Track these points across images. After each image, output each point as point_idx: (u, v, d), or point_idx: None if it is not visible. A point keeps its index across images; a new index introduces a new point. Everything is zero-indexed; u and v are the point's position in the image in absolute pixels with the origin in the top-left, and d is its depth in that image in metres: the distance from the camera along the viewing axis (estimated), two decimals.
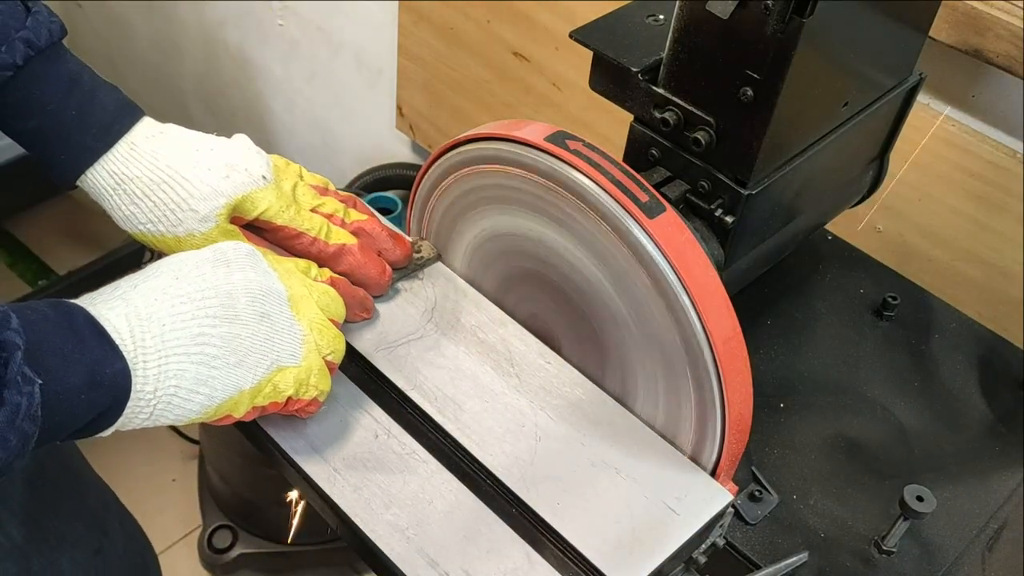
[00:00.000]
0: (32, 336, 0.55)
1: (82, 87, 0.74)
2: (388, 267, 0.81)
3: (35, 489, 0.90)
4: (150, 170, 0.74)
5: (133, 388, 0.60)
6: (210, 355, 0.64)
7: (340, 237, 0.78)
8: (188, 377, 0.63)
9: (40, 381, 0.54)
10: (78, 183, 0.76)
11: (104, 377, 0.59)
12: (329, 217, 0.79)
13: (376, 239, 0.81)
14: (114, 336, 0.60)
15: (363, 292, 0.79)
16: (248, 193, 0.75)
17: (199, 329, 0.64)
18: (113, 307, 0.62)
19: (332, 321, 0.73)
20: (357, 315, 0.79)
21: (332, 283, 0.76)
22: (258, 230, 0.78)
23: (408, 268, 0.84)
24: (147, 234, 0.76)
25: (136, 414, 0.62)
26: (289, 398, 0.69)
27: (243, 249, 0.69)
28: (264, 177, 0.76)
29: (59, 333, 0.58)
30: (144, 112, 0.77)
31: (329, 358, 0.72)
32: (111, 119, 0.75)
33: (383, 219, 0.84)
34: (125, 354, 0.60)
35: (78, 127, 0.74)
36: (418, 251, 0.85)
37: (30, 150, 0.76)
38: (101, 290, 0.64)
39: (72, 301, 0.62)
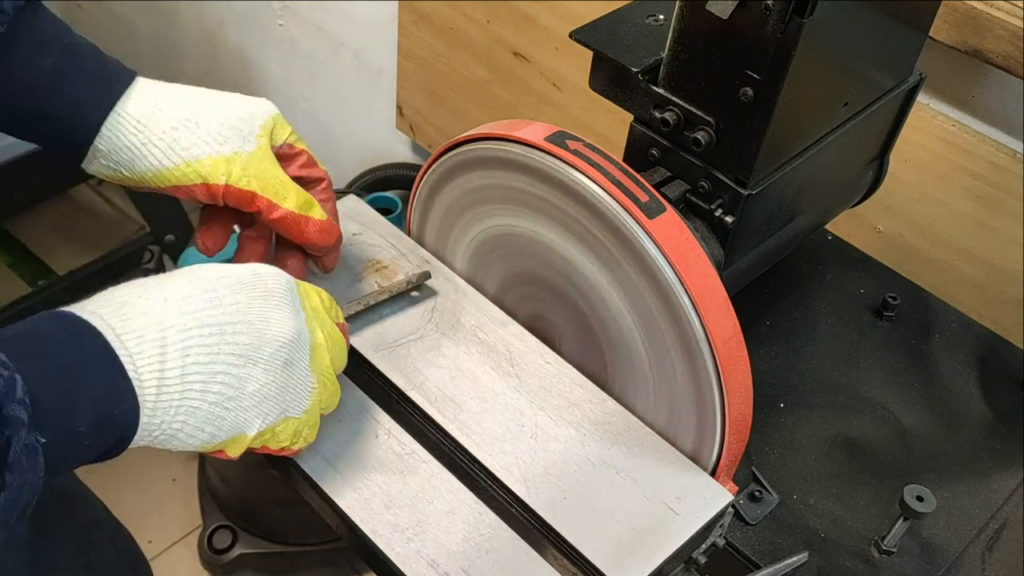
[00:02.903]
0: (38, 376, 0.51)
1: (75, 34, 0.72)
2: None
3: (31, 515, 0.90)
4: (183, 98, 0.72)
5: (140, 423, 0.57)
6: (225, 396, 0.60)
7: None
8: (199, 416, 0.60)
9: (44, 440, 0.51)
10: (105, 126, 0.70)
11: (112, 418, 0.55)
12: None
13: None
14: (128, 366, 0.56)
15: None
16: (275, 115, 0.75)
17: (223, 367, 0.60)
18: (136, 327, 0.57)
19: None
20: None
21: (340, 328, 0.72)
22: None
23: (398, 288, 0.82)
24: (192, 161, 0.70)
25: (136, 443, 0.59)
26: (283, 448, 0.67)
27: (283, 282, 0.65)
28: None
29: (68, 369, 0.54)
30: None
31: (324, 410, 0.69)
32: (122, 65, 0.72)
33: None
34: (137, 387, 0.56)
35: (100, 62, 0.70)
36: (410, 281, 0.83)
37: (47, 99, 0.69)
38: (124, 299, 0.59)
39: (89, 321, 0.56)
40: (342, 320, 0.73)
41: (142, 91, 0.72)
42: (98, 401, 0.54)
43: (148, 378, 0.57)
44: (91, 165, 0.73)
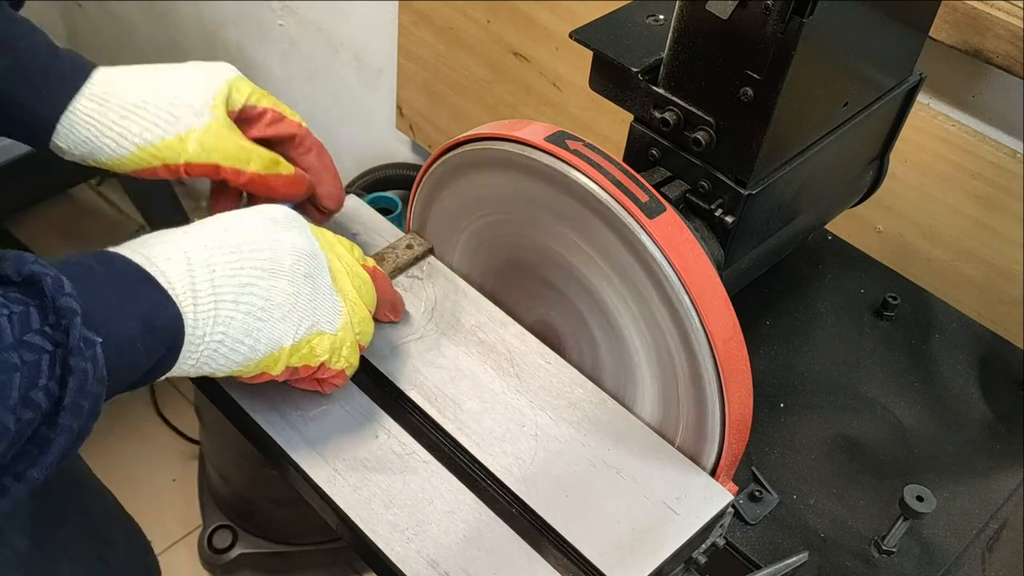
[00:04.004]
0: (83, 294, 0.54)
1: (43, 31, 0.74)
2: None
3: (38, 500, 0.90)
4: (133, 83, 0.73)
5: (184, 333, 0.60)
6: (257, 306, 0.64)
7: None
8: (235, 326, 0.63)
9: (99, 339, 0.54)
10: (60, 124, 0.73)
11: (157, 323, 0.59)
12: None
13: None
14: (162, 281, 0.60)
15: (399, 295, 0.80)
16: (231, 80, 0.76)
17: (248, 279, 0.64)
18: (161, 252, 0.61)
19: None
20: (386, 315, 0.79)
21: (371, 273, 0.76)
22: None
23: (402, 262, 0.84)
24: (146, 147, 0.73)
25: (185, 359, 0.62)
26: (322, 364, 0.69)
27: (289, 213, 0.70)
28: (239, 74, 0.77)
29: (107, 285, 0.57)
30: None
31: (359, 339, 0.72)
32: (77, 59, 0.74)
33: None
34: (175, 298, 0.60)
35: (53, 61, 0.72)
36: (410, 247, 0.85)
37: (2, 101, 0.72)
38: (146, 238, 0.63)
39: (115, 250, 0.61)
40: (369, 263, 0.76)
41: (93, 85, 0.73)
42: (142, 311, 0.58)
43: (182, 291, 0.60)
44: (60, 154, 0.76)
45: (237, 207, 0.80)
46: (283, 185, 0.77)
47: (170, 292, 0.60)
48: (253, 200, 0.80)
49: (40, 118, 0.73)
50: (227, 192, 0.81)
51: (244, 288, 0.63)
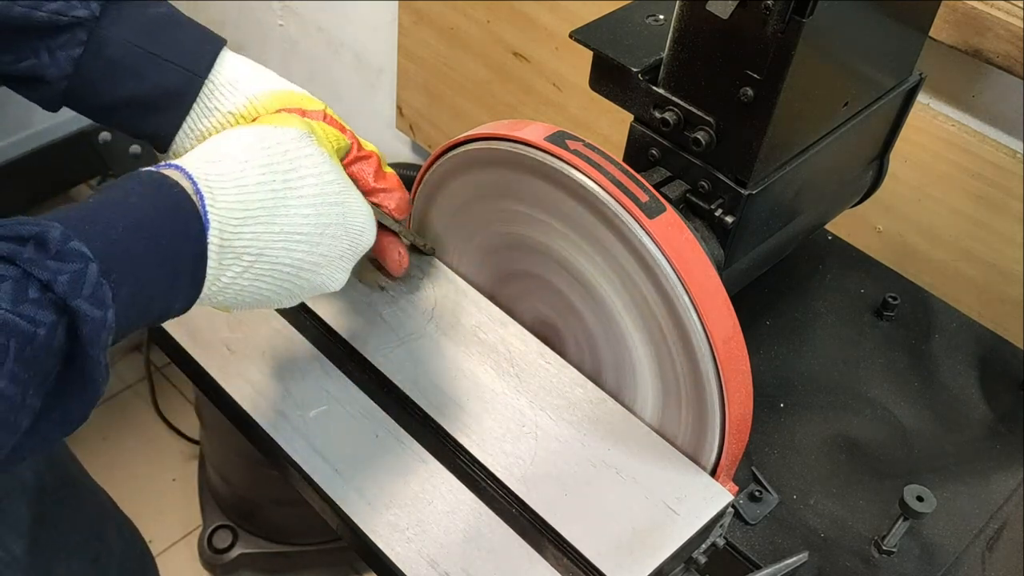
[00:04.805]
0: (130, 274, 0.53)
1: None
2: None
3: (33, 501, 0.90)
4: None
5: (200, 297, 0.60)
6: (285, 289, 0.65)
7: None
8: (248, 300, 0.64)
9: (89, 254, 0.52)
10: (221, 58, 0.76)
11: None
12: None
13: None
14: (211, 267, 0.59)
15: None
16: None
17: (291, 269, 0.64)
18: (244, 232, 0.60)
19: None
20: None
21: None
22: None
23: (410, 237, 0.83)
24: (294, 91, 0.78)
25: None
26: None
27: (352, 187, 0.70)
28: None
29: (158, 273, 0.56)
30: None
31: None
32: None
33: None
34: (209, 276, 0.59)
35: (193, 23, 0.76)
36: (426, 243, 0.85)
37: (160, 42, 0.73)
38: (247, 187, 0.61)
39: (207, 212, 0.59)
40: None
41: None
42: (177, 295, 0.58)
43: (227, 279, 0.61)
44: (195, 110, 0.75)
45: None
46: (392, 174, 0.78)
47: (210, 275, 0.59)
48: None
49: (201, 56, 0.75)
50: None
51: (288, 276, 0.64)
